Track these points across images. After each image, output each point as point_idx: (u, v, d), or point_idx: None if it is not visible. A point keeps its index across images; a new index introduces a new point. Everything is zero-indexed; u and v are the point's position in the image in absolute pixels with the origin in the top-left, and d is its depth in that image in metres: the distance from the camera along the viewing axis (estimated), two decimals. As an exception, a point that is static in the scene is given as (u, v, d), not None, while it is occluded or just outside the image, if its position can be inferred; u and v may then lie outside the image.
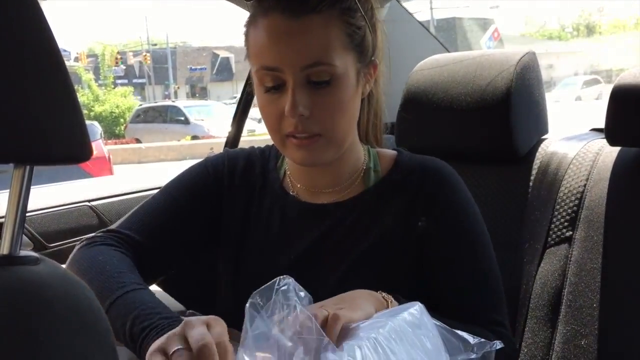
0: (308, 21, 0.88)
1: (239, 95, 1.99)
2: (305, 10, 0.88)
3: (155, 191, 1.10)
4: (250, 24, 0.94)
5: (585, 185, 1.20)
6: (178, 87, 34.79)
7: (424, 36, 1.98)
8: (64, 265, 0.97)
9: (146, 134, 16.17)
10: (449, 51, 1.78)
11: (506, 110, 1.26)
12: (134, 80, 34.47)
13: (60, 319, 0.46)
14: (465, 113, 1.31)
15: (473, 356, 0.75)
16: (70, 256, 0.99)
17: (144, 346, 0.79)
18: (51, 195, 1.67)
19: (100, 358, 0.49)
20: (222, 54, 36.90)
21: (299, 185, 1.05)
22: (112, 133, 19.99)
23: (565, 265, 1.15)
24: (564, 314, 1.12)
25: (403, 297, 0.86)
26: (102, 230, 1.05)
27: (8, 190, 0.51)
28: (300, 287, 0.70)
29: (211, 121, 16.03)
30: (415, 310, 0.76)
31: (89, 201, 1.64)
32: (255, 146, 1.15)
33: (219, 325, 0.73)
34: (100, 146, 6.34)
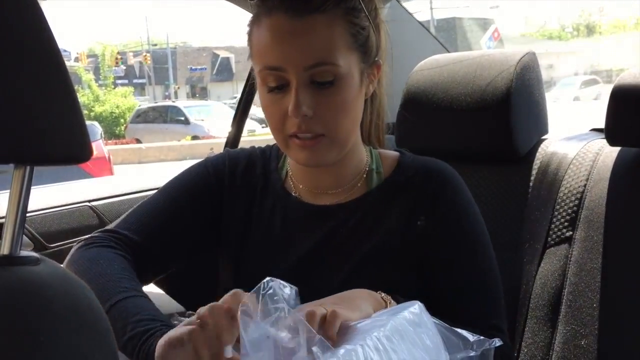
0: (312, 21, 0.88)
1: (239, 96, 1.99)
2: (309, 9, 0.88)
3: (156, 191, 1.10)
4: (253, 23, 0.94)
5: (585, 186, 1.20)
6: (178, 87, 34.79)
7: (424, 36, 1.98)
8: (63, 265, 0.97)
9: (146, 134, 16.16)
10: (449, 51, 1.78)
11: (506, 111, 1.26)
12: (134, 81, 34.50)
13: (60, 318, 0.46)
14: (465, 113, 1.31)
15: (472, 354, 0.75)
16: (69, 257, 0.99)
17: (143, 348, 0.80)
18: (51, 195, 1.67)
19: (100, 357, 0.49)
20: (223, 54, 36.91)
21: (301, 186, 1.04)
22: (112, 133, 19.99)
23: (565, 265, 1.15)
24: (564, 314, 1.12)
25: (405, 298, 0.86)
26: (100, 230, 1.04)
27: (8, 191, 0.51)
28: (284, 283, 0.70)
29: (211, 121, 16.03)
30: (415, 309, 0.76)
31: (89, 201, 1.64)
32: (256, 146, 1.14)
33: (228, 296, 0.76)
34: (100, 146, 6.34)
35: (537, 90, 1.33)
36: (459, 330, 0.77)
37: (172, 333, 0.76)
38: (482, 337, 0.76)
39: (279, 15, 0.89)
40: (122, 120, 20.76)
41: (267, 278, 0.69)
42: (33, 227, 1.50)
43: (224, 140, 2.05)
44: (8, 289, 0.46)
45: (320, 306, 0.73)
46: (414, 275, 0.97)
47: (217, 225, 1.06)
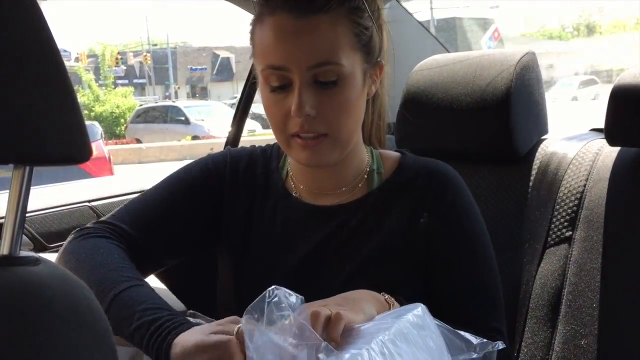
0: (315, 20, 0.88)
1: (239, 95, 1.99)
2: (312, 9, 0.88)
3: (154, 185, 1.08)
4: (256, 22, 0.94)
5: (585, 185, 1.20)
6: (178, 87, 34.78)
7: (424, 36, 1.98)
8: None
9: (146, 134, 16.16)
10: (449, 51, 1.78)
11: (506, 110, 1.26)
12: (135, 81, 34.48)
13: (59, 319, 0.46)
14: (465, 113, 1.31)
15: (475, 356, 0.75)
16: (63, 247, 0.97)
17: (154, 339, 0.80)
18: (51, 195, 1.67)
19: (100, 357, 0.49)
20: (223, 54, 36.90)
21: (301, 187, 1.04)
22: (112, 133, 19.99)
23: (565, 265, 1.16)
24: (564, 313, 1.12)
25: (406, 299, 0.86)
26: (95, 221, 1.03)
27: (8, 191, 0.51)
28: (290, 292, 0.70)
29: (211, 121, 16.03)
30: (418, 311, 0.76)
31: (89, 201, 1.64)
32: (257, 145, 1.14)
33: None
34: (100, 146, 6.34)
35: (537, 90, 1.33)
36: (462, 332, 0.77)
37: (193, 338, 0.76)
38: (485, 340, 0.76)
39: (282, 15, 0.89)
40: (122, 120, 20.76)
41: (273, 286, 0.69)
42: (33, 227, 1.50)
43: (224, 140, 2.05)
44: (8, 289, 0.46)
45: (325, 307, 0.73)
46: (415, 275, 0.97)
47: (216, 224, 1.05)
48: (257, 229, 1.04)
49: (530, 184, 1.29)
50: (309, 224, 1.01)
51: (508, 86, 1.26)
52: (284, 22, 0.88)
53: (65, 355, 0.46)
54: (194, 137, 15.42)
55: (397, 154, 1.06)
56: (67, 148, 0.49)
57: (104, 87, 24.91)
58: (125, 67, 33.10)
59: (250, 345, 0.66)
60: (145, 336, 0.81)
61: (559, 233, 1.19)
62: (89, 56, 31.76)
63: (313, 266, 0.98)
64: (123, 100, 22.26)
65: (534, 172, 1.29)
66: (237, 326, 0.74)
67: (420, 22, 2.00)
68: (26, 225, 1.47)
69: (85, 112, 20.55)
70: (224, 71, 36.92)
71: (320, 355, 0.64)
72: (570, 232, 1.18)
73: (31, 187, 0.52)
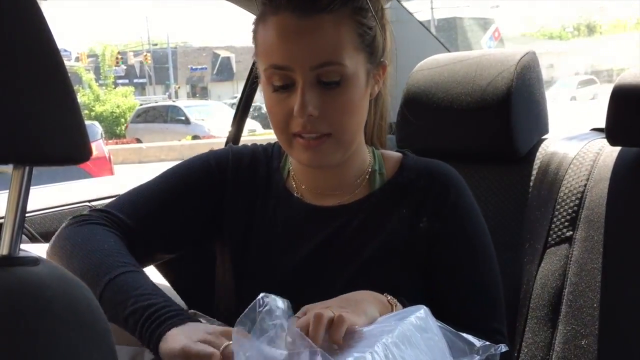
0: (319, 20, 0.88)
1: (239, 95, 1.99)
2: (316, 9, 0.87)
3: (154, 177, 1.07)
4: (259, 22, 0.93)
5: (585, 185, 1.20)
6: (179, 87, 34.78)
7: (425, 36, 1.97)
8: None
9: (147, 134, 16.17)
10: (449, 51, 1.78)
11: (506, 110, 1.26)
12: (135, 80, 34.48)
13: (59, 319, 0.46)
14: (465, 113, 1.31)
15: (477, 358, 0.75)
16: (58, 233, 0.96)
17: (147, 326, 0.79)
18: (51, 195, 1.67)
19: (99, 357, 0.49)
20: (223, 53, 36.89)
21: (303, 187, 1.03)
22: (112, 133, 19.99)
23: (566, 265, 1.15)
24: (565, 314, 1.12)
25: (408, 300, 0.86)
26: (92, 209, 1.02)
27: (8, 191, 0.51)
28: (279, 298, 0.69)
29: (212, 121, 16.05)
30: (421, 313, 0.76)
31: (89, 201, 1.64)
32: (258, 143, 1.13)
33: None
34: (100, 146, 6.34)
35: (537, 90, 1.33)
36: (464, 335, 0.77)
37: (181, 341, 0.75)
38: (487, 343, 0.76)
39: (286, 15, 0.88)
40: (122, 120, 20.77)
41: (262, 294, 0.68)
42: (33, 227, 1.50)
43: (224, 140, 2.05)
44: (7, 290, 0.46)
45: (327, 309, 0.73)
46: (416, 276, 0.96)
47: (215, 220, 1.05)
48: (257, 229, 1.03)
49: (531, 183, 1.28)
50: (310, 225, 1.00)
51: (508, 86, 1.26)
52: (287, 21, 0.88)
53: (64, 355, 0.46)
54: (194, 137, 15.44)
55: (398, 155, 1.06)
56: (67, 148, 0.49)
57: (104, 87, 24.91)
58: (125, 67, 33.10)
59: (241, 355, 0.65)
60: (139, 321, 0.80)
61: (559, 233, 1.19)
62: (89, 56, 31.76)
63: (314, 267, 0.98)
64: (123, 100, 22.26)
65: (534, 172, 1.29)
66: (226, 343, 0.73)
67: (420, 22, 2.00)
68: (26, 225, 1.47)
69: (86, 111, 20.55)
70: (224, 71, 36.91)
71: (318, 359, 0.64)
72: (571, 232, 1.17)
73: (31, 187, 0.52)
